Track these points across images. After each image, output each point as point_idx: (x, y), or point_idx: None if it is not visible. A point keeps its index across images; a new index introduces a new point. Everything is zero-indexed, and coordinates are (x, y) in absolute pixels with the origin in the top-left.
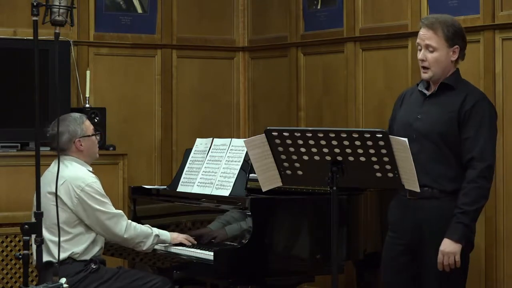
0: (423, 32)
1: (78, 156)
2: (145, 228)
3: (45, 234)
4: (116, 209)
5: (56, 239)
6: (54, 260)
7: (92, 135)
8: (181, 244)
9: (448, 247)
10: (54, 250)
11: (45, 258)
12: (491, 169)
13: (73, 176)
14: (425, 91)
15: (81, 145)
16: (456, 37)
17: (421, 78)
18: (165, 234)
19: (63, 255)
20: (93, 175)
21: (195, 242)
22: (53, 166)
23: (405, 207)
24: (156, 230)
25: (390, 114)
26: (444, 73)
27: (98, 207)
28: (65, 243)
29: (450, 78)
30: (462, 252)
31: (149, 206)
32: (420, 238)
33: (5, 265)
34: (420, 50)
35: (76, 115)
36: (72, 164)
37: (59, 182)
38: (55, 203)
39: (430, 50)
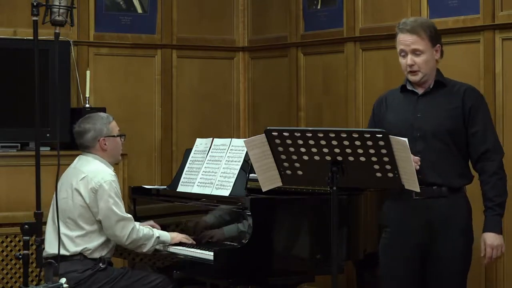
0: (405, 37)
1: (102, 156)
2: (147, 230)
3: (60, 227)
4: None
5: (71, 233)
6: (66, 253)
7: (117, 136)
8: (180, 244)
9: (496, 240)
10: (68, 243)
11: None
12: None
13: (94, 171)
14: (416, 91)
15: (105, 144)
16: (437, 36)
17: (408, 80)
18: (165, 235)
19: (76, 249)
20: (113, 174)
21: (194, 242)
22: (76, 162)
23: (411, 207)
24: (156, 232)
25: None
26: (432, 73)
27: (111, 206)
28: (78, 238)
29: (439, 76)
30: (468, 246)
31: (149, 206)
32: (431, 237)
33: (5, 265)
34: (403, 56)
35: (104, 114)
36: (94, 161)
37: (79, 177)
38: (72, 198)
39: (417, 54)
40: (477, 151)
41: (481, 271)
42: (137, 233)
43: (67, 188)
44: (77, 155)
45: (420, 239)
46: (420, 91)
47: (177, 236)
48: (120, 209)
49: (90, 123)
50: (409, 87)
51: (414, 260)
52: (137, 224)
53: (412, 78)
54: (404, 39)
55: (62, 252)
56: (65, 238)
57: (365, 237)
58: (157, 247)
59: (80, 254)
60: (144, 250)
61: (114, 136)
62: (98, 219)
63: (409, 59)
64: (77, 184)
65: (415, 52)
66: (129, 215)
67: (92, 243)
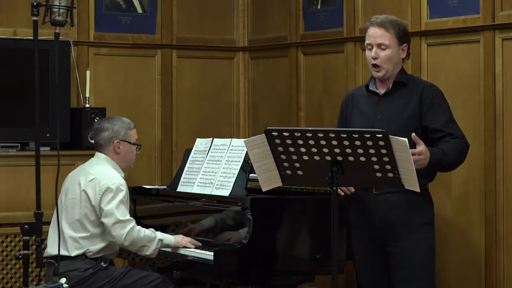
0: (374, 31)
1: (114, 158)
2: (149, 232)
3: (65, 229)
4: None
5: (75, 234)
6: (69, 255)
7: (133, 143)
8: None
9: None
10: (71, 246)
11: (61, 252)
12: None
13: (102, 173)
14: (378, 91)
15: (119, 147)
16: (405, 36)
17: (372, 77)
18: (168, 238)
19: (78, 252)
20: (123, 180)
21: (200, 245)
22: (87, 163)
23: (372, 203)
24: (159, 235)
25: None
26: (394, 70)
27: (113, 209)
28: (82, 240)
29: (400, 75)
30: (428, 240)
31: (149, 206)
32: (391, 231)
33: (5, 265)
34: (369, 49)
35: (127, 119)
36: (105, 164)
37: (88, 178)
38: (79, 199)
39: (382, 48)
40: (441, 136)
41: (481, 271)
42: (138, 234)
43: (75, 189)
44: (77, 155)
45: (382, 233)
46: (381, 91)
47: (182, 240)
48: (120, 213)
49: (111, 123)
50: (371, 88)
51: (380, 255)
52: (137, 226)
53: (376, 74)
54: (372, 33)
55: (64, 253)
56: (69, 240)
57: None
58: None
59: (83, 254)
60: (147, 253)
61: (129, 142)
62: (101, 220)
63: (374, 52)
64: (85, 185)
65: (380, 46)
66: (130, 218)
67: (95, 246)
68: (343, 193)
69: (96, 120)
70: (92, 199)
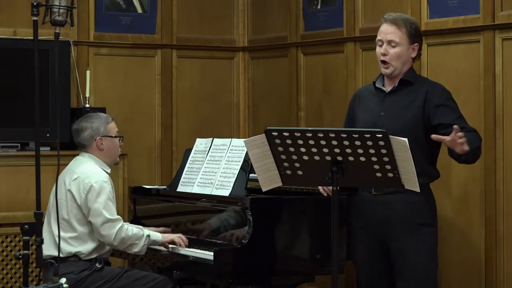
0: (385, 28)
1: (98, 156)
2: (137, 230)
3: (55, 229)
4: (116, 209)
5: (64, 234)
6: (60, 255)
7: (115, 137)
8: (173, 243)
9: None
10: (62, 244)
11: (53, 252)
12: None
13: (86, 172)
14: (384, 88)
15: (101, 144)
16: (417, 35)
17: (381, 74)
18: (156, 234)
19: (69, 249)
20: (107, 176)
21: (187, 243)
22: (72, 162)
23: (371, 204)
24: (147, 231)
25: None
26: (403, 68)
27: (100, 208)
28: (71, 240)
29: (408, 74)
30: (426, 241)
31: (149, 206)
32: (391, 232)
33: (5, 265)
34: (380, 45)
35: (103, 114)
36: (89, 162)
37: (72, 177)
38: (65, 199)
39: (393, 45)
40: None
41: (481, 271)
42: (126, 233)
43: (61, 188)
44: (77, 155)
45: (380, 234)
46: (388, 88)
47: (169, 236)
48: (109, 212)
49: (89, 121)
50: (377, 85)
51: (380, 255)
52: (126, 224)
53: (384, 70)
54: (384, 29)
55: (55, 254)
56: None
57: None
58: (157, 247)
59: (75, 255)
60: (136, 250)
61: (111, 136)
62: (89, 220)
63: (383, 48)
64: (69, 184)
65: (390, 43)
66: (118, 217)
67: (85, 247)
68: (325, 194)
69: None
70: (77, 198)
